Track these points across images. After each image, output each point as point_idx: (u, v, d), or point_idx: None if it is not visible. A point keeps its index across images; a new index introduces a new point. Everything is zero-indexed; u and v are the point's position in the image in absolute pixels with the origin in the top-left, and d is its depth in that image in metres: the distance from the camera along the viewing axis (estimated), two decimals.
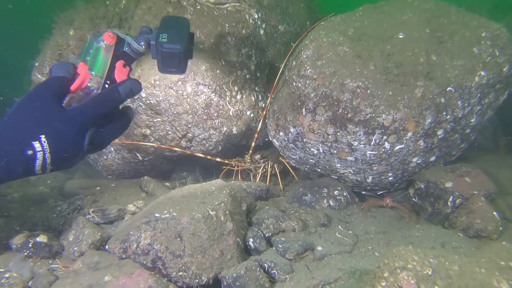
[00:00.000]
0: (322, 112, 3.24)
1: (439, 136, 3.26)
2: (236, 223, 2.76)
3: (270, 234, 2.96)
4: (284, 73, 3.82)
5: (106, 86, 1.77)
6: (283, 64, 3.85)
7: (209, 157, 3.95)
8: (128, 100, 3.67)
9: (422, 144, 3.22)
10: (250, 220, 3.09)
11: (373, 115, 3.08)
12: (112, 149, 4.14)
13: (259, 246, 2.79)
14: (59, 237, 3.09)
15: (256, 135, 3.83)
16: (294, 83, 3.47)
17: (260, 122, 3.77)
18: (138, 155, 4.23)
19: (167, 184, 4.44)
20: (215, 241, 2.58)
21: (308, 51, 3.34)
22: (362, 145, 3.22)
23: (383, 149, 3.21)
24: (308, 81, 3.29)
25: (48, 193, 4.64)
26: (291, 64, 3.62)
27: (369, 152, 3.24)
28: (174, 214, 2.64)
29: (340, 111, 3.16)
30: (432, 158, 3.45)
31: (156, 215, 2.66)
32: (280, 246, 2.75)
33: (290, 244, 2.76)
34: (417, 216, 3.47)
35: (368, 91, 3.06)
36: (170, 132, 3.99)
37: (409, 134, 3.12)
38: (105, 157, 4.28)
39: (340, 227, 3.13)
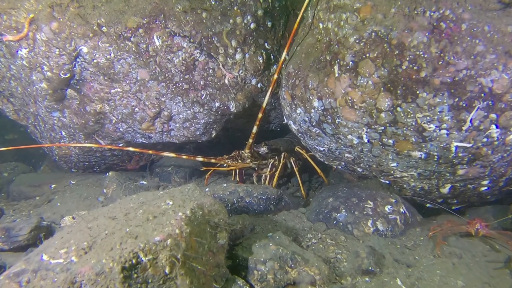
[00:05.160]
0: (369, 69, 1.80)
1: None
2: (197, 276, 1.44)
3: None
4: (307, 16, 2.38)
5: None
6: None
7: (184, 156, 2.60)
8: (65, 58, 2.42)
9: None
10: (235, 261, 1.75)
11: (472, 72, 1.60)
12: (63, 133, 2.94)
13: None
14: None
15: (260, 114, 2.41)
16: (320, 25, 2.05)
17: (267, 95, 2.36)
18: (100, 141, 3.00)
19: (143, 182, 3.19)
20: None
21: None
22: (444, 131, 1.76)
23: (484, 139, 1.74)
24: (345, 16, 1.86)
25: None
26: None
27: (456, 143, 1.78)
28: (73, 259, 1.36)
29: (404, 67, 1.71)
30: None
31: (43, 257, 1.39)
32: None
33: None
34: None
35: (464, 25, 1.59)
36: (137, 109, 2.71)
37: None
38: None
39: (399, 280, 1.71)
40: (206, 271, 1.53)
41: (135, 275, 1.32)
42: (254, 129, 2.51)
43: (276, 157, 2.89)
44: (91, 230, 1.56)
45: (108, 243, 1.42)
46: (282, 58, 2.23)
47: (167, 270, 1.36)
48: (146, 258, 1.34)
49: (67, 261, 1.36)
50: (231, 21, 2.63)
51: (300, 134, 2.54)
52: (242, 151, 2.78)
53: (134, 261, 1.32)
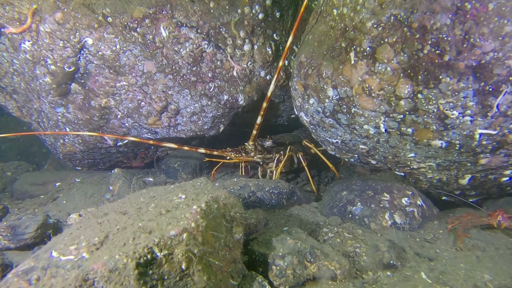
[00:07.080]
0: (388, 55, 1.72)
1: None
2: (214, 272, 1.37)
3: (288, 287, 1.54)
4: (318, 3, 2.30)
5: None
6: None
7: (186, 147, 2.50)
8: (69, 51, 2.35)
9: None
10: (252, 256, 1.68)
11: (499, 54, 1.53)
12: (67, 129, 2.87)
13: None
14: None
15: (264, 104, 2.33)
16: (334, 11, 1.97)
17: (272, 84, 2.25)
18: (105, 137, 2.93)
19: (150, 179, 3.12)
20: None
21: None
22: (468, 117, 1.68)
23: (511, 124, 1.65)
24: (362, 0, 1.77)
25: None
26: None
27: (481, 130, 1.70)
28: (84, 255, 1.29)
29: (426, 51, 1.63)
30: None
31: (53, 254, 1.32)
32: None
33: None
34: None
35: (491, 5, 1.51)
36: (143, 103, 2.64)
37: None
38: (61, 141, 3.02)
39: (423, 274, 1.64)
40: (223, 267, 1.45)
41: (151, 271, 1.24)
42: (258, 120, 2.39)
43: (282, 152, 2.79)
44: (101, 226, 1.49)
45: (121, 239, 1.34)
46: (288, 43, 2.11)
47: (183, 266, 1.29)
48: (162, 254, 1.27)
49: (78, 257, 1.29)
50: (239, 11, 2.56)
51: (312, 126, 2.46)
52: (246, 143, 2.69)
53: (149, 256, 1.25)
